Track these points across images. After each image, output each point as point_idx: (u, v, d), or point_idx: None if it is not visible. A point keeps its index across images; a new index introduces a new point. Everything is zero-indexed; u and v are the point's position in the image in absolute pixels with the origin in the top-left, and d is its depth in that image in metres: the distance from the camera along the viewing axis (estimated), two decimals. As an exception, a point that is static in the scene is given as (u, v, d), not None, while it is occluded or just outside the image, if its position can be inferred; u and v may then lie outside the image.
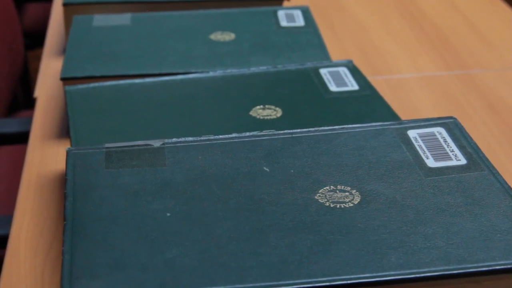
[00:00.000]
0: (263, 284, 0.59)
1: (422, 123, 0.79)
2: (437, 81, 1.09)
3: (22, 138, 1.16)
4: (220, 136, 0.77)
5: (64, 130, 0.96)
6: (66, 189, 0.69)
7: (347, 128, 0.78)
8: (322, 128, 0.78)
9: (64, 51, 1.16)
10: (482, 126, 0.98)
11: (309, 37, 1.05)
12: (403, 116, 0.98)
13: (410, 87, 1.07)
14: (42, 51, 1.19)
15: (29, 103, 1.75)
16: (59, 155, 0.91)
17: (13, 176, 1.27)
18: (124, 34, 1.04)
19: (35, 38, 1.94)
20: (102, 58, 0.98)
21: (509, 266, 0.61)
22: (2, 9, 1.40)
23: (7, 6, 1.42)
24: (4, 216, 1.04)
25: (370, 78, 1.07)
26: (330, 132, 0.78)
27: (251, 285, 0.59)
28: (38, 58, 1.81)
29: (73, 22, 1.07)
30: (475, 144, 0.76)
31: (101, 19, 1.08)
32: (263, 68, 0.95)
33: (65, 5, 1.12)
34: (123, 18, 1.09)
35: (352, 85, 0.92)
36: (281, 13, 1.11)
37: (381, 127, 0.78)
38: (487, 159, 0.73)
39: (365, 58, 1.16)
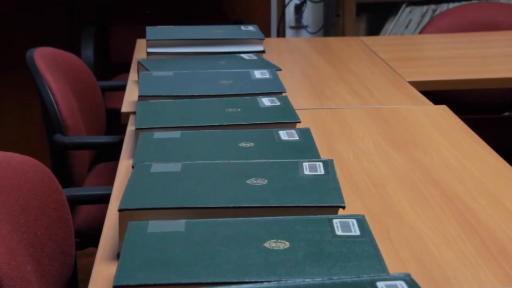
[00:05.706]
0: None
1: None
2: (501, 297, 1.05)
3: None
4: None
5: None
6: None
7: None
8: None
9: (117, 255, 1.15)
10: None
11: (365, 247, 1.03)
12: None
13: (471, 303, 1.03)
14: (91, 249, 1.18)
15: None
16: None
17: None
18: (178, 241, 1.04)
19: (86, 238, 1.94)
20: (155, 265, 0.97)
21: None
22: (56, 213, 1.42)
23: (62, 208, 1.44)
24: None
25: (429, 292, 1.03)
26: None
27: None
28: (86, 255, 1.82)
29: (128, 228, 1.07)
30: None
31: (156, 226, 1.08)
32: (318, 280, 0.93)
33: (120, 210, 1.13)
34: (178, 225, 1.08)
35: (412, 301, 0.88)
36: (336, 222, 1.10)
37: None
38: None
39: (423, 270, 1.12)
